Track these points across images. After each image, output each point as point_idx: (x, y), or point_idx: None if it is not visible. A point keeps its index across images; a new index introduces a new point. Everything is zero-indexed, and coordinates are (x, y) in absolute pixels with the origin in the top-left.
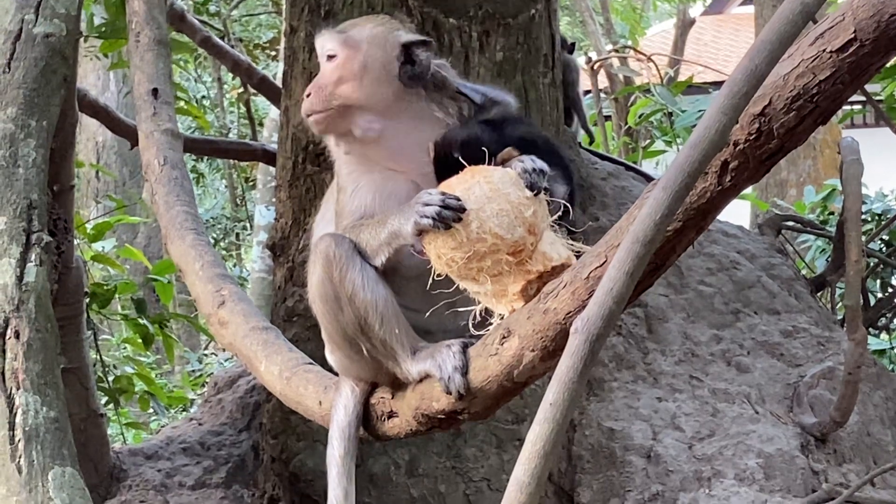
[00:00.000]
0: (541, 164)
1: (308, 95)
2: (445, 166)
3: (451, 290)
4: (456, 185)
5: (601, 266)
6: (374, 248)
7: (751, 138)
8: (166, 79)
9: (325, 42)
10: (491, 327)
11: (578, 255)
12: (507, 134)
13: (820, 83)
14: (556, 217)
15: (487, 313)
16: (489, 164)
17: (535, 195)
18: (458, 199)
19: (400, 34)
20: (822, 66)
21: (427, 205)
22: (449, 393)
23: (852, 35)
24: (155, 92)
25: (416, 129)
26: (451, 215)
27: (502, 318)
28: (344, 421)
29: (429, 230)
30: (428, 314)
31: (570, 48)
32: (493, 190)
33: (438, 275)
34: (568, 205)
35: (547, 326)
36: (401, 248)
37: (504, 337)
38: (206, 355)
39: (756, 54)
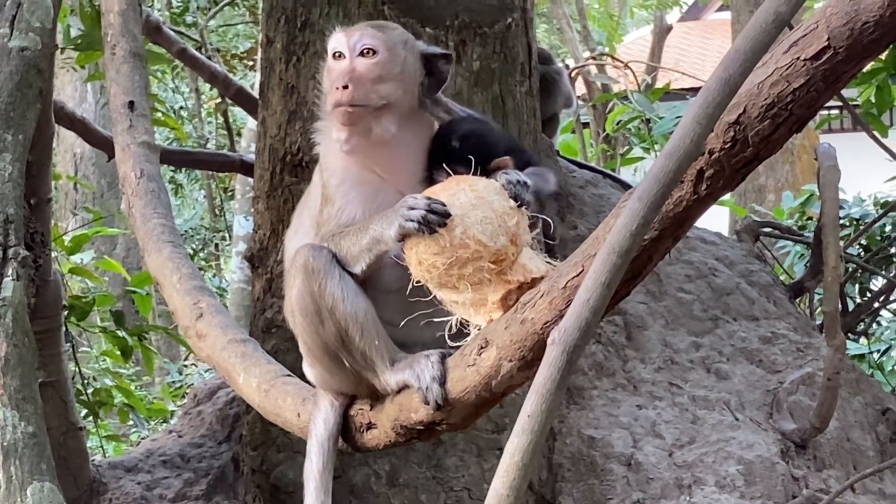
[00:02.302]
0: (524, 177)
1: (345, 87)
2: (441, 153)
3: (428, 302)
4: (440, 192)
5: (578, 276)
6: (355, 255)
7: (726, 147)
8: (142, 91)
9: (363, 37)
10: (468, 338)
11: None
12: (507, 138)
13: (794, 91)
14: (535, 233)
15: (463, 324)
16: (478, 170)
17: (519, 207)
18: (444, 205)
19: (422, 45)
20: (796, 74)
21: (412, 208)
22: (427, 403)
23: (826, 43)
24: (131, 104)
25: (416, 140)
26: (435, 219)
27: (479, 328)
28: (323, 435)
29: (413, 234)
30: (402, 324)
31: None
32: (478, 198)
33: (417, 282)
34: (549, 220)
35: (524, 336)
36: (381, 254)
37: (482, 347)
38: (186, 366)
39: (730, 63)
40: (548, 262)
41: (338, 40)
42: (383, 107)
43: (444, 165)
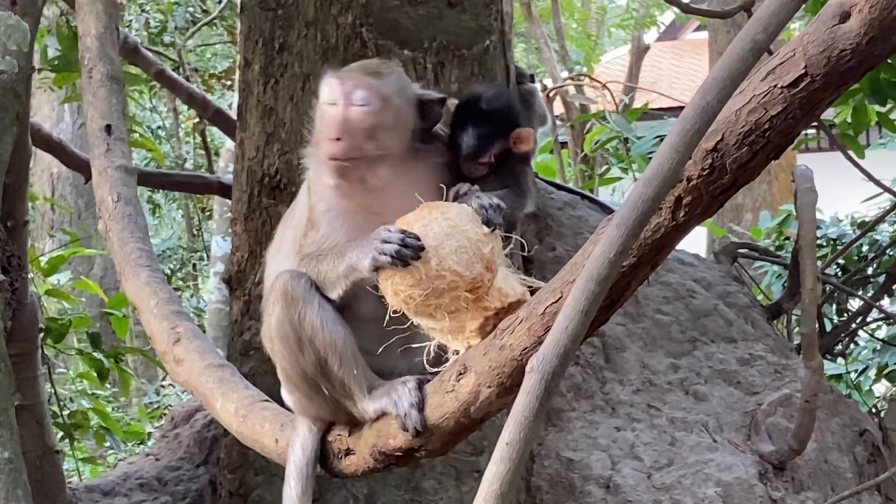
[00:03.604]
0: (497, 200)
1: (338, 139)
2: (468, 115)
3: (406, 332)
4: (414, 222)
5: (556, 302)
6: (332, 281)
7: (704, 174)
8: (119, 115)
9: (356, 88)
10: (447, 364)
11: (532, 289)
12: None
13: (771, 118)
14: (508, 250)
15: (442, 349)
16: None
17: (492, 231)
18: (418, 238)
19: (416, 89)
20: (774, 102)
21: (386, 242)
22: (406, 430)
23: (803, 71)
24: (108, 128)
25: (410, 177)
26: (409, 254)
27: (458, 353)
28: (301, 460)
29: (386, 267)
30: (380, 350)
31: (530, 78)
32: (452, 226)
33: (395, 311)
34: (523, 241)
35: (503, 363)
36: (358, 281)
37: (460, 373)
38: (163, 387)
39: (708, 91)
40: (523, 280)
41: (331, 87)
42: (377, 157)
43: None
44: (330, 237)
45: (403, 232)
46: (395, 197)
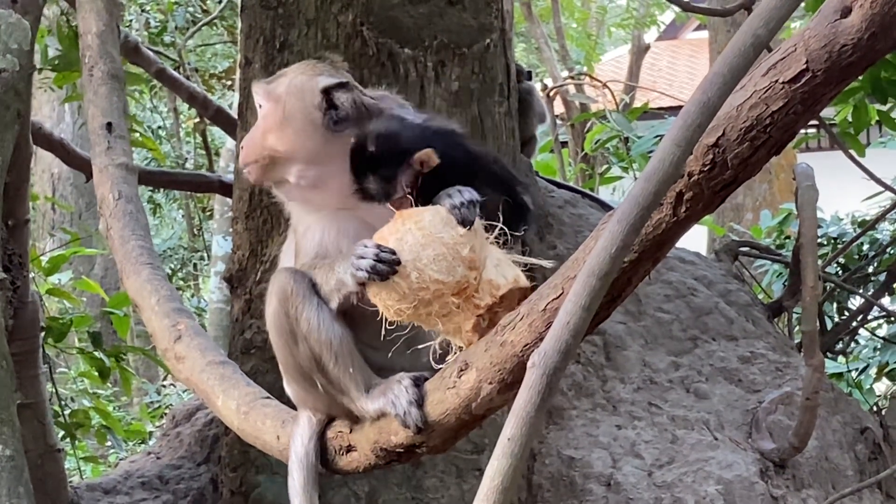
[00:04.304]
0: (469, 194)
1: (242, 147)
2: (361, 161)
3: (414, 330)
4: (388, 235)
5: (557, 298)
6: (327, 293)
7: (705, 169)
8: (120, 112)
9: (254, 93)
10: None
11: (526, 268)
12: (425, 128)
13: (773, 114)
14: (495, 235)
15: (448, 345)
16: (405, 164)
17: (468, 229)
18: (393, 252)
19: (319, 80)
20: (775, 97)
21: (361, 258)
22: (407, 427)
23: (804, 66)
24: (109, 126)
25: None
26: (384, 269)
27: (460, 349)
28: (301, 451)
29: (367, 283)
30: (390, 353)
31: (528, 75)
32: (426, 235)
33: (390, 323)
34: (505, 229)
35: (504, 359)
36: (349, 295)
37: (461, 370)
38: (164, 387)
39: (709, 86)
40: (517, 260)
41: None
42: (279, 158)
43: (369, 177)
44: (307, 235)
45: (378, 247)
46: (351, 192)
